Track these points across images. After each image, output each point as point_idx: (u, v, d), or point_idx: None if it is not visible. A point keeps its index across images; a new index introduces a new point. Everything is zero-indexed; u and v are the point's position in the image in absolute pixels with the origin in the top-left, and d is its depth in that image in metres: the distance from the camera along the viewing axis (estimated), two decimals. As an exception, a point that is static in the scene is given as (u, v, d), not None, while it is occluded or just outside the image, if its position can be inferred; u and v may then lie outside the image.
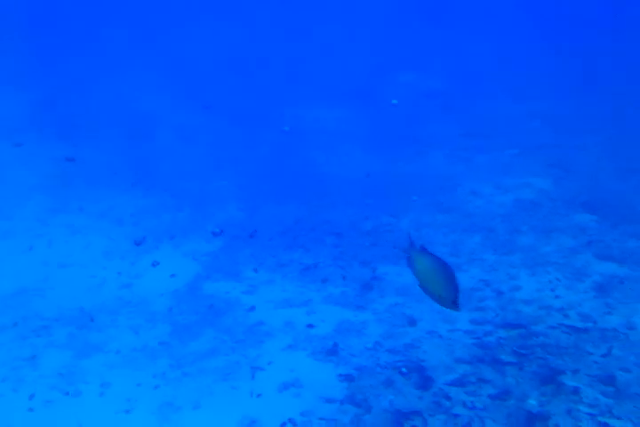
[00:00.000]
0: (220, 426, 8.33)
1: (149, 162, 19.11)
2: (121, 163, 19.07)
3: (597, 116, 21.03)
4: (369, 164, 18.04)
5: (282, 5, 34.62)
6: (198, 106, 24.24)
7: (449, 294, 5.17)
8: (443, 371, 8.87)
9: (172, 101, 24.83)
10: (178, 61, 29.66)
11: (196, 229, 15.37)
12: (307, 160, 18.69)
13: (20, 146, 18.43)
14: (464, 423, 7.60)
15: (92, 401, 9.20)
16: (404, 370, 8.86)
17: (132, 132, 21.49)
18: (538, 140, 19.29)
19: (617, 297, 10.38)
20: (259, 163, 18.93)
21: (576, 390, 7.92)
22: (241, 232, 14.83)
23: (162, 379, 9.52)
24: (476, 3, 33.55)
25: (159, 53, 30.43)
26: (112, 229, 15.64)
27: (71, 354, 10.51)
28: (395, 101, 20.45)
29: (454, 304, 5.20)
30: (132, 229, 15.67)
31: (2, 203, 16.90)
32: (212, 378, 9.42)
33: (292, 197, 16.33)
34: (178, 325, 11.13)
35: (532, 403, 7.83)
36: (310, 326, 10.43)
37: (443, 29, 30.95)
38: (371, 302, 10.86)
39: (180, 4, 35.23)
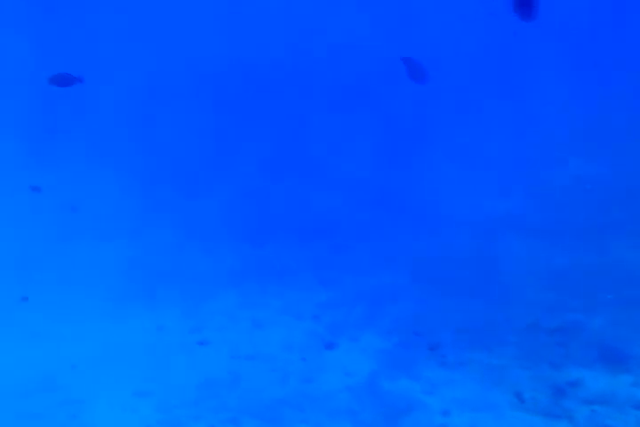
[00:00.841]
0: None
1: (328, 258, 20.07)
2: (301, 259, 20.27)
3: None
4: (547, 254, 17.20)
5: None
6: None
7: None
8: None
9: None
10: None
11: (370, 325, 15.58)
12: (481, 252, 18.33)
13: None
14: None
15: None
16: None
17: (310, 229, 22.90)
18: None
19: None
20: (428, 255, 18.97)
21: None
22: (416, 328, 14.74)
23: (347, 483, 9.40)
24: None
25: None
26: (292, 324, 16.40)
27: (259, 447, 10.86)
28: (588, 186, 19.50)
29: None
30: (311, 324, 16.30)
31: (192, 299, 18.62)
32: (397, 483, 9.10)
33: (464, 290, 15.99)
34: (359, 422, 11.06)
35: None
36: (499, 433, 9.79)
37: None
38: (566, 411, 9.96)
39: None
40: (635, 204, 20.02)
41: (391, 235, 21.58)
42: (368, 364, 13.47)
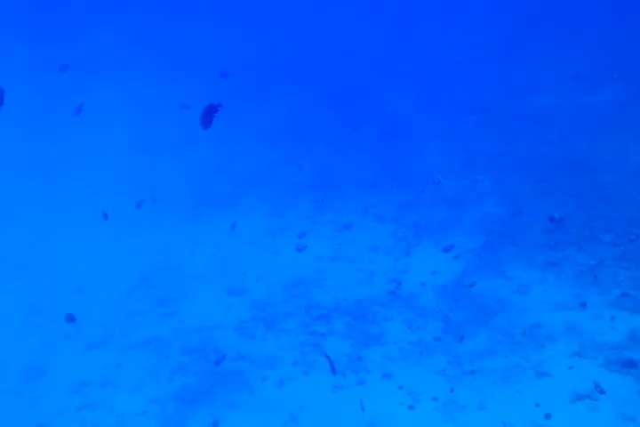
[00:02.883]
0: (509, 431, 8.15)
1: (401, 161, 19.61)
2: (376, 164, 19.94)
3: None
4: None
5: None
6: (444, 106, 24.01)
7: None
8: None
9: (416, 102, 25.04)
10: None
11: (453, 225, 15.34)
12: (566, 150, 17.26)
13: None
14: None
15: (376, 391, 9.72)
16: None
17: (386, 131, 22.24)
18: None
19: None
20: (514, 155, 18.08)
21: None
22: (502, 228, 14.40)
23: (442, 375, 9.66)
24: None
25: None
26: (375, 226, 16.41)
27: (351, 343, 11.24)
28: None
29: None
30: (392, 226, 16.26)
31: (276, 203, 18.84)
32: (493, 379, 9.26)
33: (555, 190, 15.27)
34: (449, 321, 11.19)
35: None
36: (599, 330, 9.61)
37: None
38: (670, 310, 9.62)
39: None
40: None
41: (472, 134, 20.63)
42: (455, 264, 13.38)
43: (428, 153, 20.17)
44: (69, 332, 12.95)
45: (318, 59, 29.19)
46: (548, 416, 8.14)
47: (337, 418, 9.33)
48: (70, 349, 12.55)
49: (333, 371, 7.70)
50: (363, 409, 8.81)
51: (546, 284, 11.63)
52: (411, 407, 9.09)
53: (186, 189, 20.58)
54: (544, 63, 24.01)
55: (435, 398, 9.13)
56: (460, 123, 21.82)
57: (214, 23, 33.41)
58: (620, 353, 8.88)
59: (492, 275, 12.49)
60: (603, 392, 7.86)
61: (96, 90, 26.51)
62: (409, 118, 23.29)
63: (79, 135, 23.57)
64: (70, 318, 9.99)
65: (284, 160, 21.65)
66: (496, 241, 13.95)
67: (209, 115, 6.34)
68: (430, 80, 26.13)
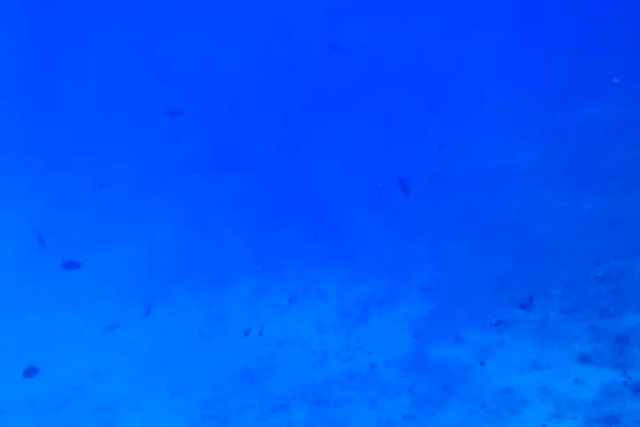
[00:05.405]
0: None
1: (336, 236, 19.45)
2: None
3: None
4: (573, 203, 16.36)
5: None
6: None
7: None
8: None
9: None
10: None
11: (400, 295, 15.06)
12: (498, 211, 17.66)
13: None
14: None
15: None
16: None
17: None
18: None
19: None
20: (448, 221, 18.33)
21: None
22: (449, 293, 14.25)
23: (422, 457, 8.94)
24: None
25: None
26: (318, 305, 15.82)
27: (316, 433, 10.37)
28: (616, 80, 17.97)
29: None
30: (336, 302, 15.75)
31: (213, 289, 17.99)
32: (476, 454, 8.65)
33: (492, 250, 15.42)
34: (416, 395, 10.58)
35: None
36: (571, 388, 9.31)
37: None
38: (635, 359, 9.50)
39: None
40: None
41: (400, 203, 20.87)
42: (409, 333, 12.96)
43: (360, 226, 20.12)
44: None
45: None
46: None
47: None
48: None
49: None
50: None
51: (505, 345, 11.36)
52: None
53: (111, 286, 19.40)
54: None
55: (419, 484, 8.36)
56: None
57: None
58: (598, 409, 8.56)
59: (448, 342, 12.11)
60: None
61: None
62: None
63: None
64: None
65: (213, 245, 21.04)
66: (445, 306, 13.71)
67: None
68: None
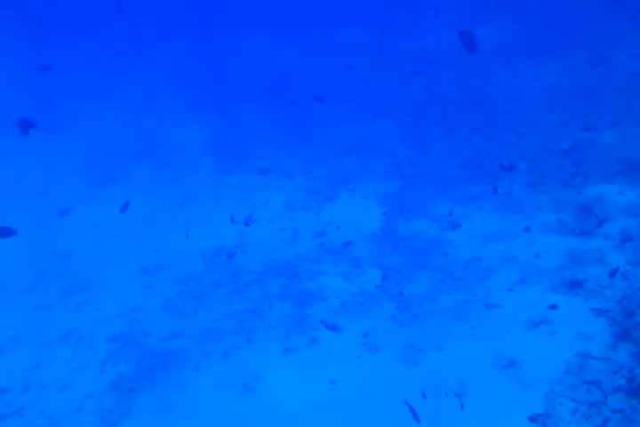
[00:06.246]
0: (474, 366, 8.10)
1: (304, 117, 18.86)
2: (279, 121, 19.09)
3: None
4: (541, 76, 16.14)
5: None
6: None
7: None
8: None
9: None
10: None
11: (367, 172, 15.04)
12: (465, 85, 17.31)
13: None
14: None
15: (330, 347, 9.36)
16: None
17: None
18: None
19: None
20: (412, 98, 17.96)
21: None
22: (416, 169, 14.31)
23: (393, 322, 9.44)
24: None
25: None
26: (285, 183, 15.73)
27: (290, 303, 10.74)
28: None
29: None
30: (304, 181, 15.66)
31: (176, 170, 17.62)
32: (445, 318, 9.17)
33: (460, 127, 15.34)
34: (387, 268, 10.96)
35: None
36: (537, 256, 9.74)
37: None
38: (596, 227, 9.91)
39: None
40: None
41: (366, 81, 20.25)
42: (379, 210, 13.13)
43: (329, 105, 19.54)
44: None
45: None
46: (509, 346, 8.15)
47: (294, 381, 8.90)
48: (-25, 356, 11.10)
49: (417, 418, 7.24)
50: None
51: (472, 218, 11.67)
52: (368, 358, 8.82)
53: (71, 167, 18.75)
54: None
55: (391, 345, 8.90)
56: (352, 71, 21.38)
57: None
58: (563, 275, 9.05)
59: (417, 216, 12.37)
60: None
61: None
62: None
63: None
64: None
65: (171, 126, 20.31)
66: (413, 182, 13.84)
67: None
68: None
